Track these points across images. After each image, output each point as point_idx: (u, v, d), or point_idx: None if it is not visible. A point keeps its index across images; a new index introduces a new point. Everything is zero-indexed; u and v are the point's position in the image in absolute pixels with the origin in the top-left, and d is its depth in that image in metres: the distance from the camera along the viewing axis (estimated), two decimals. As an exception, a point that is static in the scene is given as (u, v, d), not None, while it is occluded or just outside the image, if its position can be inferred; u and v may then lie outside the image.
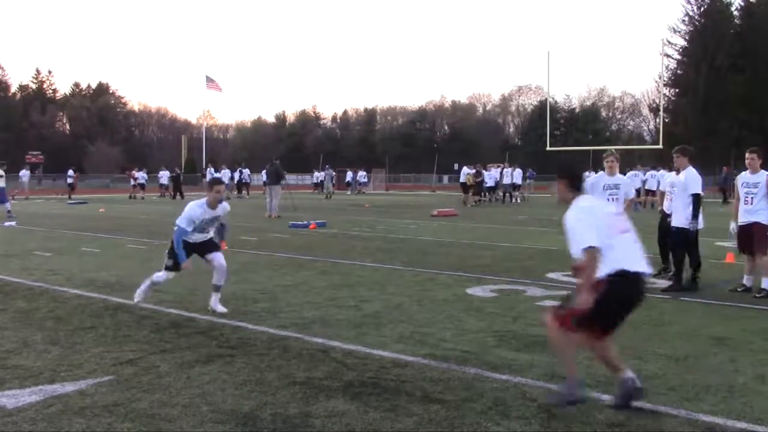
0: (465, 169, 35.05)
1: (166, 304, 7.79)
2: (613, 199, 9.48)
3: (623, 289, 4.40)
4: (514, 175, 36.55)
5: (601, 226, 4.40)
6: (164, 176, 42.66)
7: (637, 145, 70.21)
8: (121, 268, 10.82)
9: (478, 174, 34.11)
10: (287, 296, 8.48)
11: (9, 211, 20.21)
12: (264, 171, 26.22)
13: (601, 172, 9.64)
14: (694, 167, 9.31)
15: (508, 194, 36.13)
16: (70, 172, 40.98)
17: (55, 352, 5.83)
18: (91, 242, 14.60)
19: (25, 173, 40.79)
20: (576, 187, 4.73)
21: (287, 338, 6.35)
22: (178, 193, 39.55)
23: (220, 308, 7.45)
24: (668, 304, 8.22)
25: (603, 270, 4.34)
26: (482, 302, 8.19)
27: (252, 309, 7.68)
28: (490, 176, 35.70)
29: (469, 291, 8.89)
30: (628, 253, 4.46)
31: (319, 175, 55.43)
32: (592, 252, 4.28)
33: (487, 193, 35.41)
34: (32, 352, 5.80)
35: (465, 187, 34.33)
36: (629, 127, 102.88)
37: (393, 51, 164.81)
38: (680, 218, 9.17)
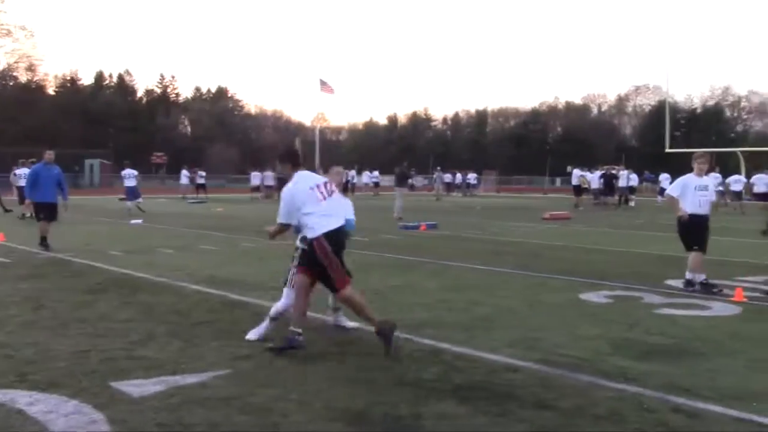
0: (576, 171, 34.25)
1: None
2: (704, 199, 9.34)
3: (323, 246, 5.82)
4: (630, 178, 35.40)
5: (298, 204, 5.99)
6: (268, 177, 43.30)
7: (765, 147, 66.61)
8: (238, 265, 11.19)
9: (613, 177, 33.73)
10: (397, 297, 8.53)
11: (129, 210, 21.46)
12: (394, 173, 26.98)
13: (690, 174, 9.38)
14: None
15: (624, 198, 34.96)
16: (201, 172, 42.47)
17: (176, 344, 6.09)
18: (210, 240, 15.18)
19: (185, 174, 42.32)
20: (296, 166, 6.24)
21: (397, 339, 6.38)
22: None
23: (349, 323, 6.83)
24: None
25: (311, 233, 5.90)
26: (597, 308, 7.97)
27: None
28: (594, 177, 34.68)
29: (583, 296, 8.67)
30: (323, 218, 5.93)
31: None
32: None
33: (595, 196, 34.44)
34: (156, 344, 6.08)
35: (577, 189, 33.52)
36: (757, 127, 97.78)
37: (505, 52, 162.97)
38: None
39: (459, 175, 56.17)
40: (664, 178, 36.02)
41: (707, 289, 8.88)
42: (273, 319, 6.32)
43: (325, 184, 6.22)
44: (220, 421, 4.22)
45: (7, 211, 23.63)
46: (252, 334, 6.30)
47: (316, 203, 6.02)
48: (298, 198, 6.06)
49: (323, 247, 5.85)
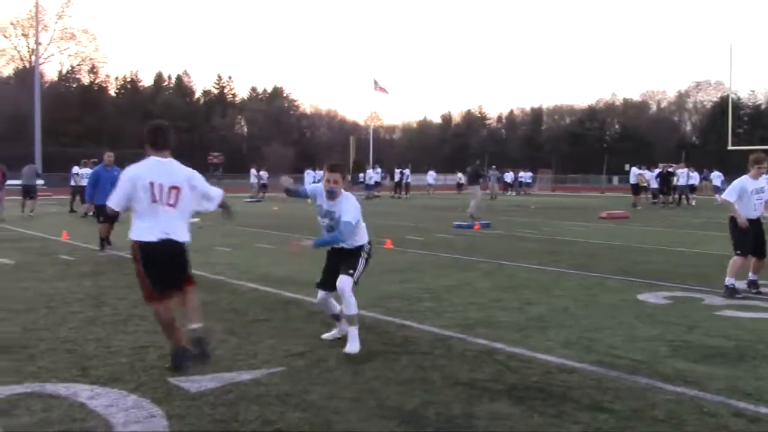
0: (634, 170, 33.60)
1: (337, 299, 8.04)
2: (759, 203, 9.06)
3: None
4: (690, 176, 34.57)
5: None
6: (316, 176, 43.31)
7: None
8: (292, 263, 11.30)
9: (670, 174, 33.17)
10: (451, 296, 8.51)
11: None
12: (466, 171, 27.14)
13: (746, 176, 9.02)
14: None
15: (684, 196, 34.17)
16: (263, 173, 43.10)
17: (232, 341, 6.19)
18: (265, 239, 15.38)
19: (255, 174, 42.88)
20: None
21: (451, 338, 6.37)
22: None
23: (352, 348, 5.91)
24: None
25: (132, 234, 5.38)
26: (655, 309, 7.81)
27: (417, 308, 7.77)
28: (652, 176, 33.93)
29: (641, 297, 8.51)
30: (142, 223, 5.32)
31: (462, 176, 54.65)
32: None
33: (653, 195, 33.78)
34: (212, 341, 6.18)
35: (635, 188, 32.89)
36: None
37: (561, 48, 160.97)
38: None
39: (511, 174, 55.75)
40: (716, 176, 34.87)
41: (731, 294, 8.57)
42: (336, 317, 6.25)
43: (172, 187, 5.32)
44: (275, 418, 4.27)
45: (72, 211, 24.37)
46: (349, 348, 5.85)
47: (144, 202, 5.24)
48: (132, 185, 5.26)
49: (134, 253, 5.31)
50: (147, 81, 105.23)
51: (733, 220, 9.00)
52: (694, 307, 7.97)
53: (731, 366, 5.55)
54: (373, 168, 45.43)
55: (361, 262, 6.10)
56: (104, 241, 13.20)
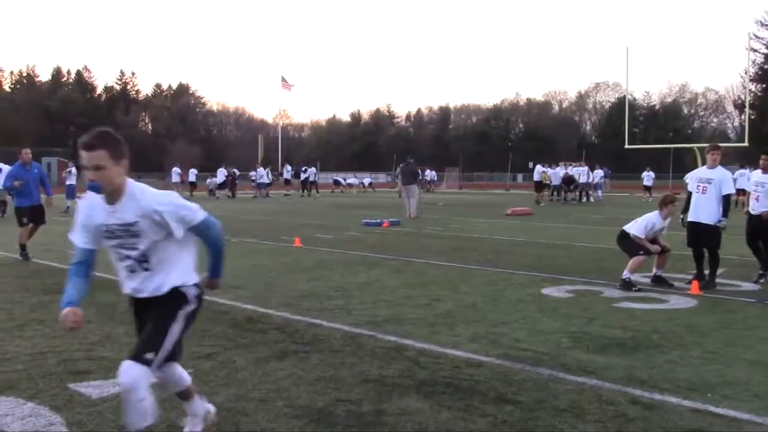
0: (539, 168, 34.61)
1: (243, 300, 7.95)
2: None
3: None
4: (591, 174, 35.89)
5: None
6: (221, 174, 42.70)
7: (721, 143, 67.77)
8: (199, 264, 11.08)
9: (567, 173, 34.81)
10: (361, 294, 8.53)
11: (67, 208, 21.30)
12: (398, 170, 25.55)
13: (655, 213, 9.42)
14: None
15: (584, 193, 35.43)
16: (235, 170, 42.63)
17: (137, 344, 6.01)
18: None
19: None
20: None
21: (361, 336, 6.39)
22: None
23: None
24: (754, 308, 7.93)
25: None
26: (558, 303, 8.06)
27: (326, 306, 7.76)
28: (555, 174, 35.21)
29: (545, 291, 8.76)
30: None
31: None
32: None
33: (555, 192, 35.14)
34: (115, 345, 6.00)
35: (539, 185, 33.85)
36: (712, 124, 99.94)
37: (467, 49, 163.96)
38: None
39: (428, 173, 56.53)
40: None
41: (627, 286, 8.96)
42: None
43: None
44: (180, 421, 4.18)
45: None
46: None
47: None
48: None
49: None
50: (45, 76, 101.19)
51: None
52: (594, 299, 8.27)
53: (628, 355, 5.78)
54: (283, 166, 45.10)
55: (175, 327, 3.63)
56: (25, 248, 11.85)
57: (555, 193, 34.98)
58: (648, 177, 38.56)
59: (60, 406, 4.42)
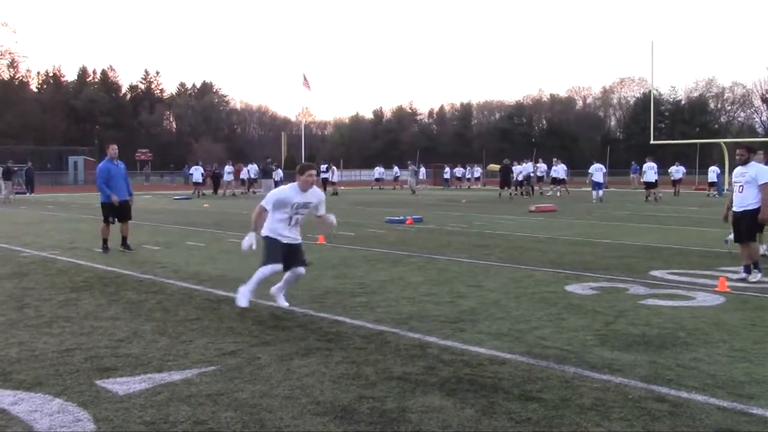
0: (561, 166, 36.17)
1: (267, 297, 7.98)
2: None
3: None
4: (556, 170, 37.87)
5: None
6: (252, 170, 42.53)
7: (748, 138, 67.05)
8: (224, 262, 11.17)
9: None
10: (384, 291, 8.54)
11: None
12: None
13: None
14: None
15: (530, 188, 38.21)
16: (252, 166, 42.09)
17: (162, 342, 6.07)
18: (196, 237, 15.14)
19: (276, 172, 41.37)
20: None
21: (384, 333, 6.40)
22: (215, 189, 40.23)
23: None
24: (782, 304, 7.82)
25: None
26: (582, 300, 8.01)
27: (350, 303, 7.77)
28: (518, 170, 37.93)
29: (569, 288, 8.71)
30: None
31: (380, 171, 55.03)
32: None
33: (518, 187, 37.37)
34: (142, 342, 6.06)
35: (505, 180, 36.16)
36: (740, 119, 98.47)
37: (489, 45, 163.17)
38: None
39: (460, 169, 56.89)
40: (596, 168, 33.12)
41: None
42: None
43: None
44: (206, 418, 4.21)
45: None
46: None
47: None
48: None
49: None
50: (70, 76, 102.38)
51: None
52: (619, 296, 8.20)
53: (654, 353, 5.73)
54: (325, 163, 45.23)
55: None
56: (106, 243, 12.41)
57: (516, 188, 37.32)
58: (677, 171, 38.50)
59: (87, 403, 4.47)
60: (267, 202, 7.27)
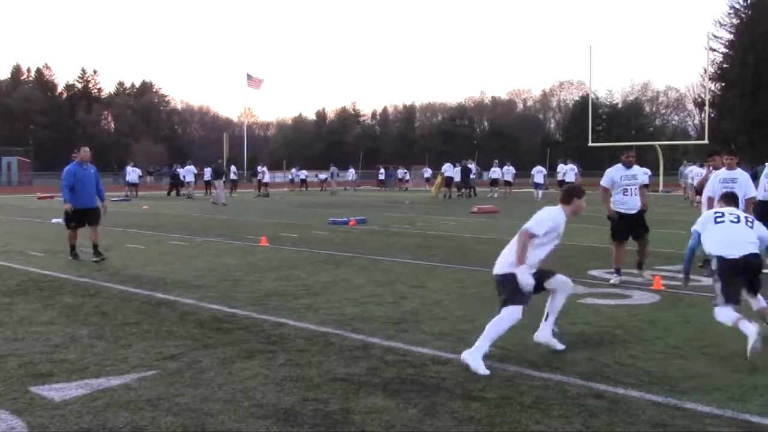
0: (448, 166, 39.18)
1: (209, 300, 7.89)
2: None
3: None
4: (504, 172, 39.13)
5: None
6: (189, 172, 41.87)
7: (681, 141, 68.96)
8: (164, 264, 10.98)
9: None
10: (327, 293, 8.52)
11: None
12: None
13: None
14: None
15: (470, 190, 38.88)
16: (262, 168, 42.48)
17: (100, 346, 5.94)
18: (136, 239, 14.85)
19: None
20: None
21: (328, 334, 6.38)
22: (174, 191, 40.12)
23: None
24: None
25: None
26: (523, 299, 8.10)
27: (293, 305, 7.73)
28: (448, 167, 39.38)
29: (510, 288, 8.80)
30: None
31: (304, 172, 55.51)
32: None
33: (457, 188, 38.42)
34: (79, 347, 5.92)
35: (449, 181, 37.73)
36: (674, 122, 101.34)
37: (432, 47, 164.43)
38: None
39: (399, 171, 57.20)
40: (537, 171, 36.07)
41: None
42: None
43: None
44: (146, 423, 4.14)
45: None
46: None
47: None
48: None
49: None
50: (3, 74, 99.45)
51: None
52: (559, 296, 8.32)
53: (593, 351, 5.86)
54: (261, 165, 45.05)
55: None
56: (74, 249, 11.62)
57: (457, 189, 38.34)
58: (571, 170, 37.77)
59: (21, 410, 4.34)
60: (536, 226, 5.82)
